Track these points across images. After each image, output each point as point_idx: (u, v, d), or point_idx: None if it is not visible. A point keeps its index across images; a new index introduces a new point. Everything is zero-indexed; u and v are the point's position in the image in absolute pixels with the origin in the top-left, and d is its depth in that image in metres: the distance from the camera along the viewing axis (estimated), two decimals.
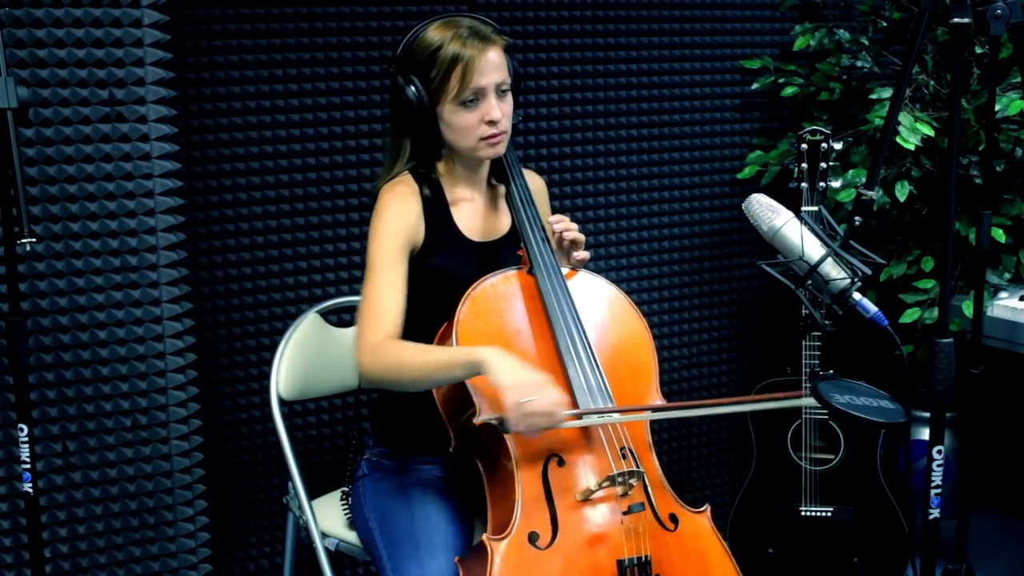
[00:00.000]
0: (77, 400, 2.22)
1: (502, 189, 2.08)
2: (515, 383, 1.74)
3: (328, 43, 2.58)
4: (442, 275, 1.94)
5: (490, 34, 1.94)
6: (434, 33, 1.93)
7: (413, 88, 1.93)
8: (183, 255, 2.29)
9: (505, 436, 1.84)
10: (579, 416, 1.85)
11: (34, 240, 1.94)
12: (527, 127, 2.83)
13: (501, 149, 1.98)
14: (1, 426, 2.17)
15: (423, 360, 1.84)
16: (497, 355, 1.77)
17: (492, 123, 1.94)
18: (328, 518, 2.18)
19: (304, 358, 2.28)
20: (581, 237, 2.02)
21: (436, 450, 2.00)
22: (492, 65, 1.92)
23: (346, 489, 2.16)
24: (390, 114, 2.02)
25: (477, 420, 1.82)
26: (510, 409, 1.72)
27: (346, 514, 2.13)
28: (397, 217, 1.95)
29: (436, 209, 1.99)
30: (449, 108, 1.93)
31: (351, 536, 2.12)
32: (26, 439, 2.01)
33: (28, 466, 2.02)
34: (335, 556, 2.16)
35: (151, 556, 2.33)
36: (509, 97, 1.97)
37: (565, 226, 1.99)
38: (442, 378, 1.85)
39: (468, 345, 1.86)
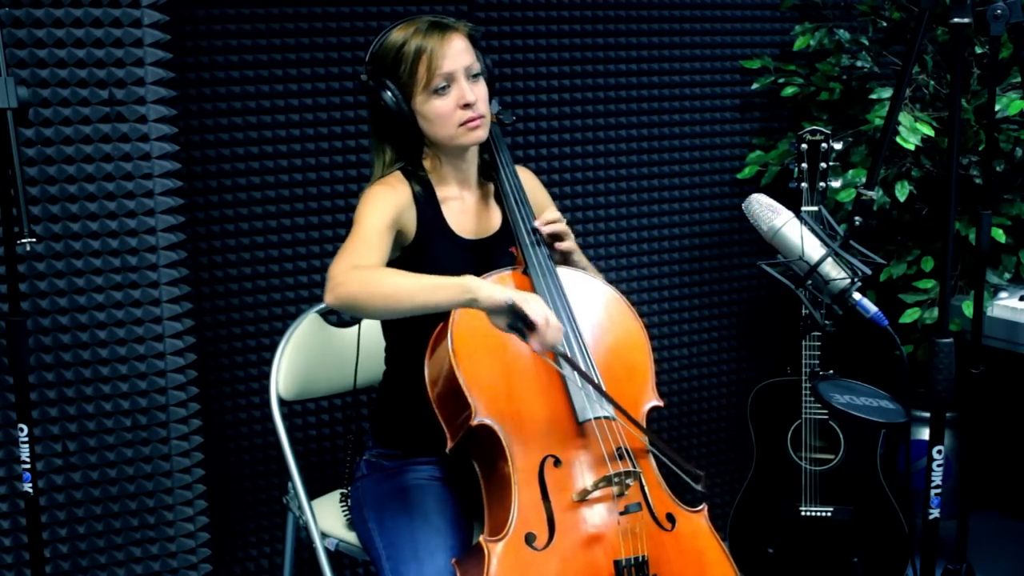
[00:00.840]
0: (77, 400, 2.22)
1: (492, 187, 2.09)
2: (519, 295, 1.74)
3: (328, 43, 2.58)
4: (435, 274, 1.94)
5: (451, 23, 1.96)
6: (396, 34, 1.95)
7: (388, 91, 1.94)
8: (183, 255, 2.29)
9: (501, 438, 1.84)
10: (564, 357, 1.84)
11: (34, 240, 1.94)
12: (527, 127, 2.83)
13: (482, 134, 1.99)
14: (1, 426, 2.17)
15: (406, 281, 1.79)
16: (484, 281, 1.78)
17: (468, 106, 1.94)
18: (328, 518, 2.18)
19: (304, 358, 2.28)
20: (561, 228, 2.02)
21: (435, 451, 2.00)
22: (456, 50, 1.93)
23: (345, 490, 2.16)
24: (369, 121, 2.03)
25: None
26: (532, 316, 1.71)
27: (345, 515, 2.14)
28: (386, 196, 1.95)
29: (427, 206, 2.00)
30: (422, 99, 1.94)
31: (351, 536, 2.12)
32: (26, 439, 2.01)
33: (28, 466, 2.03)
34: (335, 556, 2.16)
35: (151, 556, 2.33)
36: (482, 82, 1.98)
37: (549, 228, 2.00)
38: (425, 300, 1.78)
39: (465, 348, 1.86)
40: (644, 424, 1.97)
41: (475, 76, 1.96)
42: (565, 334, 1.91)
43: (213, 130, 2.50)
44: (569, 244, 2.04)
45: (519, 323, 1.74)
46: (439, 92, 1.93)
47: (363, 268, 1.81)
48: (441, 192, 2.03)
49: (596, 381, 1.88)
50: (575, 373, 1.86)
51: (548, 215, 2.01)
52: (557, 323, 1.76)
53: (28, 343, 2.09)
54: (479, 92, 1.96)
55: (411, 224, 1.97)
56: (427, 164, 2.03)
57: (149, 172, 2.22)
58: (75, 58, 2.12)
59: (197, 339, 2.36)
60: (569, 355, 1.86)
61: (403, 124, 1.96)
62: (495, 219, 2.09)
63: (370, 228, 1.88)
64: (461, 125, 1.95)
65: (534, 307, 1.73)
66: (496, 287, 1.77)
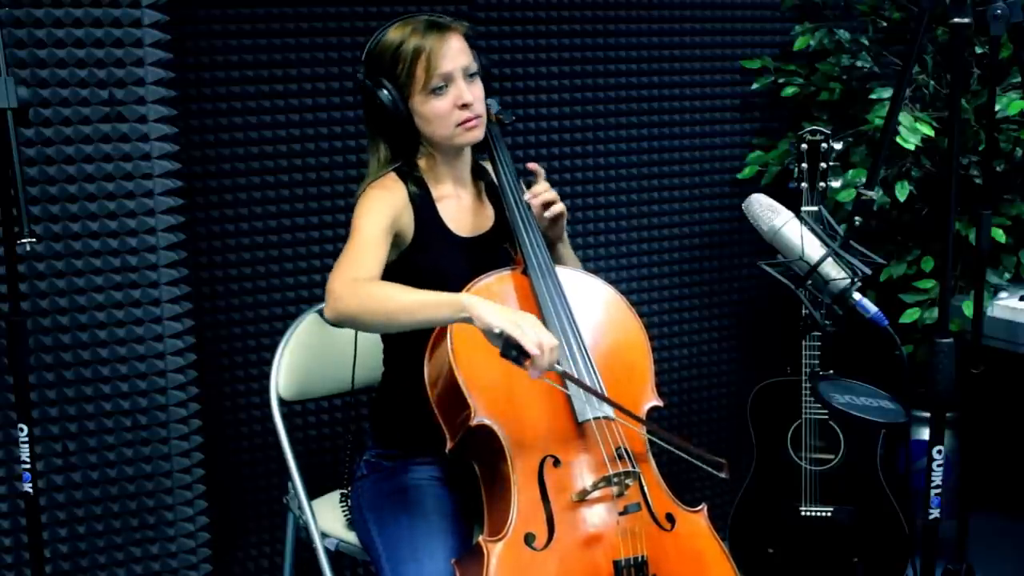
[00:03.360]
0: (77, 400, 2.22)
1: (483, 185, 2.09)
2: (514, 317, 1.72)
3: (328, 43, 2.58)
4: (431, 273, 1.95)
5: (448, 23, 1.97)
6: (393, 33, 1.95)
7: (384, 90, 1.94)
8: (183, 255, 2.29)
9: (501, 438, 1.84)
10: (563, 375, 1.81)
11: (34, 240, 1.94)
12: (527, 127, 2.83)
13: (479, 134, 1.99)
14: (1, 426, 2.17)
15: (405, 297, 1.79)
16: (481, 299, 1.76)
17: (465, 106, 1.95)
18: (328, 518, 2.18)
19: (304, 358, 2.28)
20: (548, 195, 2.04)
21: (435, 451, 2.00)
22: (454, 50, 1.94)
23: (345, 490, 2.16)
24: (365, 120, 2.03)
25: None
26: (527, 343, 1.68)
27: (345, 515, 2.14)
28: (383, 199, 1.95)
29: (423, 206, 2.00)
30: (420, 99, 1.94)
31: (351, 536, 2.12)
32: (26, 439, 2.01)
33: (28, 466, 2.03)
34: (335, 556, 2.16)
35: (151, 556, 2.33)
36: (479, 82, 1.98)
37: (540, 199, 2.02)
38: (424, 317, 1.79)
39: (464, 348, 1.86)
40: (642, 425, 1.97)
41: (472, 76, 1.97)
42: (565, 334, 1.91)
43: (213, 130, 2.50)
44: (558, 208, 2.05)
45: (512, 351, 1.71)
46: (437, 92, 1.94)
47: (362, 282, 1.81)
48: (437, 191, 2.03)
49: (600, 391, 1.88)
50: (580, 388, 1.86)
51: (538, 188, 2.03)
52: (552, 343, 1.71)
53: (28, 343, 2.09)
54: (476, 92, 1.96)
55: (409, 226, 1.97)
56: (422, 163, 2.04)
57: (149, 172, 2.22)
58: (75, 58, 2.12)
59: (197, 339, 2.35)
60: (569, 371, 1.83)
61: (399, 123, 1.96)
62: (488, 217, 2.10)
63: (367, 235, 1.88)
64: (459, 125, 1.96)
65: (528, 334, 1.69)
66: (492, 308, 1.73)
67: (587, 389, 1.85)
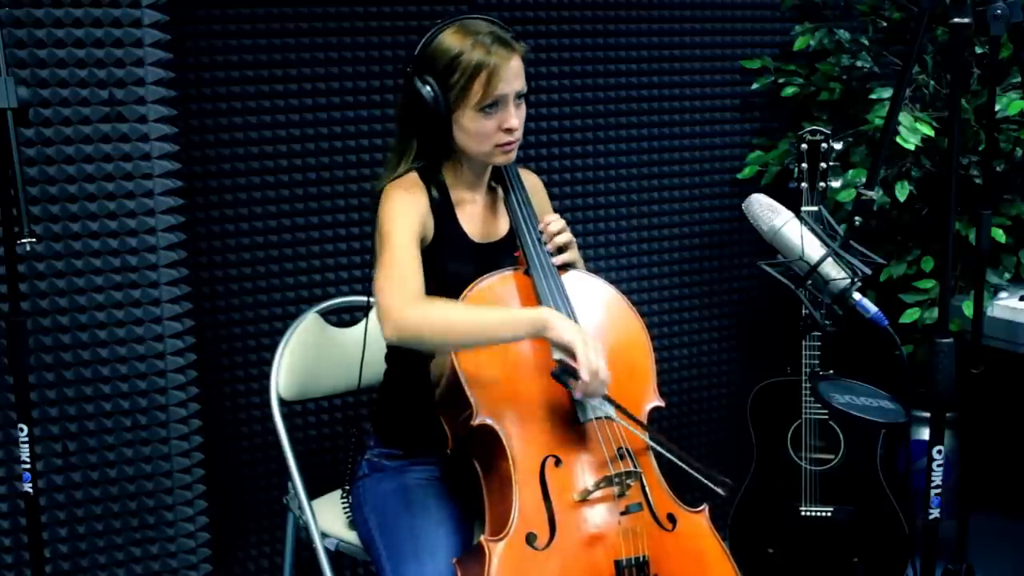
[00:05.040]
0: (77, 400, 2.22)
1: (500, 192, 2.08)
2: (585, 336, 1.78)
3: (328, 43, 2.58)
4: (444, 277, 1.94)
5: (512, 41, 1.93)
6: (454, 38, 1.90)
7: (430, 90, 1.90)
8: (183, 255, 2.29)
9: (502, 438, 1.84)
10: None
11: (34, 240, 1.94)
12: (527, 127, 2.80)
13: (512, 157, 1.99)
14: (1, 426, 2.17)
15: (479, 316, 1.82)
16: (559, 314, 1.82)
17: (509, 131, 1.93)
18: (328, 518, 2.18)
19: (304, 358, 2.28)
20: (568, 239, 2.02)
21: (436, 451, 2.00)
22: (515, 73, 1.91)
23: (346, 489, 2.16)
24: (400, 114, 2.00)
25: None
26: (584, 366, 1.75)
27: (346, 514, 2.14)
28: (410, 204, 1.94)
29: (443, 211, 1.99)
30: (469, 114, 1.91)
31: (351, 536, 2.12)
32: (26, 439, 2.01)
33: (28, 466, 2.03)
34: (335, 556, 2.16)
35: (151, 556, 2.33)
36: (524, 105, 1.97)
37: (557, 240, 2.00)
38: (503, 335, 1.82)
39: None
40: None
41: (520, 98, 1.95)
42: None
43: (213, 130, 2.50)
44: (572, 255, 2.04)
45: (565, 374, 1.79)
46: (487, 111, 1.91)
47: (419, 300, 1.82)
48: (456, 195, 2.02)
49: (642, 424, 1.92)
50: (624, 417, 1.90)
51: (554, 225, 2.01)
52: (606, 376, 1.79)
53: (28, 343, 2.09)
54: (521, 115, 1.95)
55: (430, 230, 1.97)
56: (446, 168, 2.02)
57: (149, 172, 2.22)
58: (75, 58, 2.12)
59: (197, 339, 2.36)
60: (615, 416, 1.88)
61: (436, 127, 1.93)
62: (503, 224, 2.09)
63: (402, 245, 1.88)
64: (497, 146, 1.94)
65: (590, 359, 1.76)
66: (568, 324, 1.79)
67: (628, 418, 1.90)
